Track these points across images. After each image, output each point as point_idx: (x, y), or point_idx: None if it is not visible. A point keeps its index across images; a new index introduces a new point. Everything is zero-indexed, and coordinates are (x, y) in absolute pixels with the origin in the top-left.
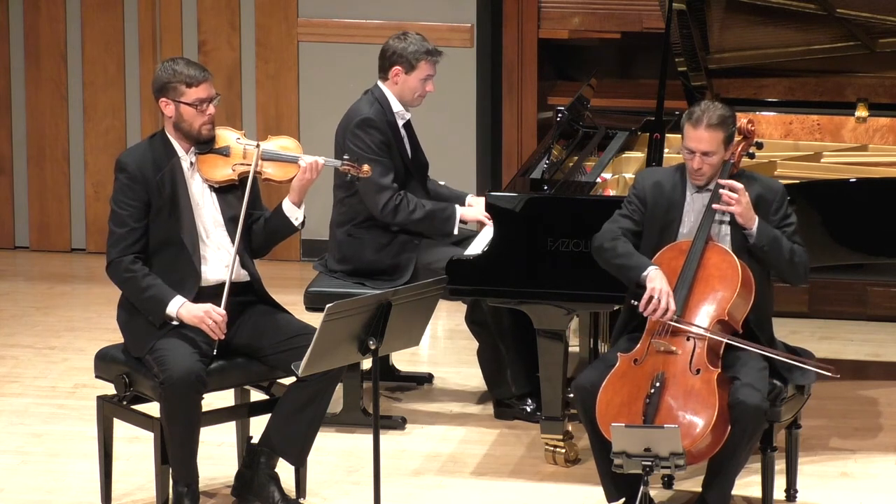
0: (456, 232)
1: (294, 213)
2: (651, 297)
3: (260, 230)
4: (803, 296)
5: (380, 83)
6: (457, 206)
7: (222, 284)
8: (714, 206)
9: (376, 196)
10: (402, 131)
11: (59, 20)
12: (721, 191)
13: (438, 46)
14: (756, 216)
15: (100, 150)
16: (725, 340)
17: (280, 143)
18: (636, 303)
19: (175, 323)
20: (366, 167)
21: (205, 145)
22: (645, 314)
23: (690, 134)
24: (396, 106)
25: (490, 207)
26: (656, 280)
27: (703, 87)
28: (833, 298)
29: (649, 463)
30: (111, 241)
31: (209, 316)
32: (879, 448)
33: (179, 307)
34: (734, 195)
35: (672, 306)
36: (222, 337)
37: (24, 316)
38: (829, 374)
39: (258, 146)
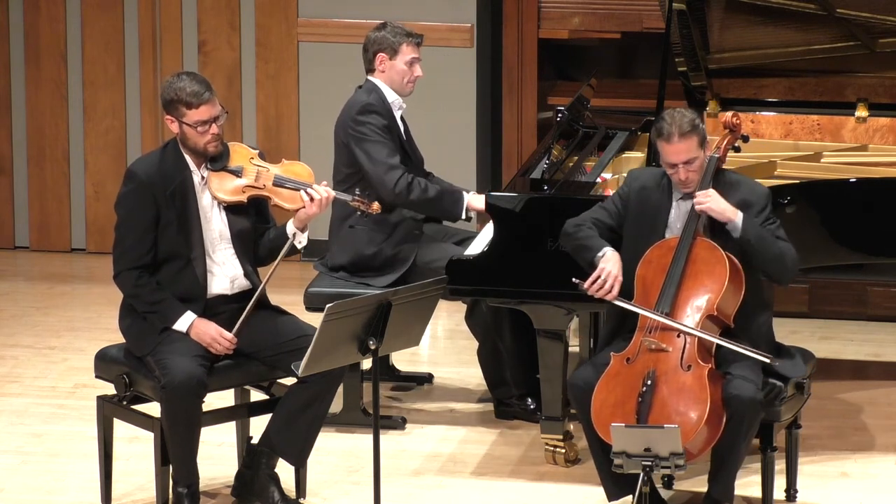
0: (464, 217)
1: (298, 237)
2: (598, 277)
3: (265, 243)
4: (803, 296)
5: (369, 77)
6: (465, 192)
7: (225, 297)
8: (695, 207)
9: (387, 175)
10: (400, 122)
11: (59, 20)
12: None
13: (438, 46)
14: (736, 209)
15: (100, 150)
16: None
17: (293, 170)
18: (577, 281)
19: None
20: (375, 205)
21: (218, 162)
22: (589, 293)
23: (667, 149)
24: (391, 96)
25: (490, 207)
26: (609, 262)
27: (703, 87)
28: (833, 298)
29: (649, 463)
30: (118, 251)
31: (216, 342)
32: (879, 448)
33: (188, 328)
34: (701, 199)
35: (615, 290)
36: (228, 352)
37: (24, 316)
38: (769, 360)
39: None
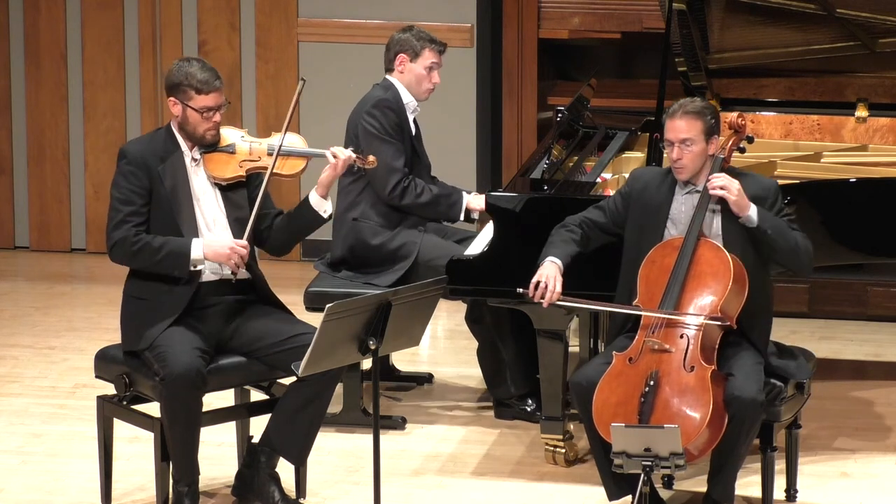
0: (462, 218)
1: (323, 206)
2: (537, 283)
3: (283, 227)
4: (803, 296)
5: (388, 76)
6: (464, 193)
7: (221, 282)
8: (710, 191)
9: (386, 177)
10: (412, 126)
11: (59, 20)
12: (713, 182)
13: None
14: (750, 203)
15: (100, 150)
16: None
17: (287, 140)
18: (522, 290)
19: (202, 268)
20: (371, 158)
21: (210, 145)
22: (535, 299)
23: (668, 124)
24: (407, 97)
25: (490, 207)
26: (546, 267)
27: (703, 87)
28: (833, 298)
29: (649, 463)
30: (112, 224)
31: (235, 252)
32: (879, 448)
33: (203, 249)
34: (726, 183)
35: (558, 288)
36: (242, 267)
37: (24, 316)
38: (720, 322)
39: (279, 147)
